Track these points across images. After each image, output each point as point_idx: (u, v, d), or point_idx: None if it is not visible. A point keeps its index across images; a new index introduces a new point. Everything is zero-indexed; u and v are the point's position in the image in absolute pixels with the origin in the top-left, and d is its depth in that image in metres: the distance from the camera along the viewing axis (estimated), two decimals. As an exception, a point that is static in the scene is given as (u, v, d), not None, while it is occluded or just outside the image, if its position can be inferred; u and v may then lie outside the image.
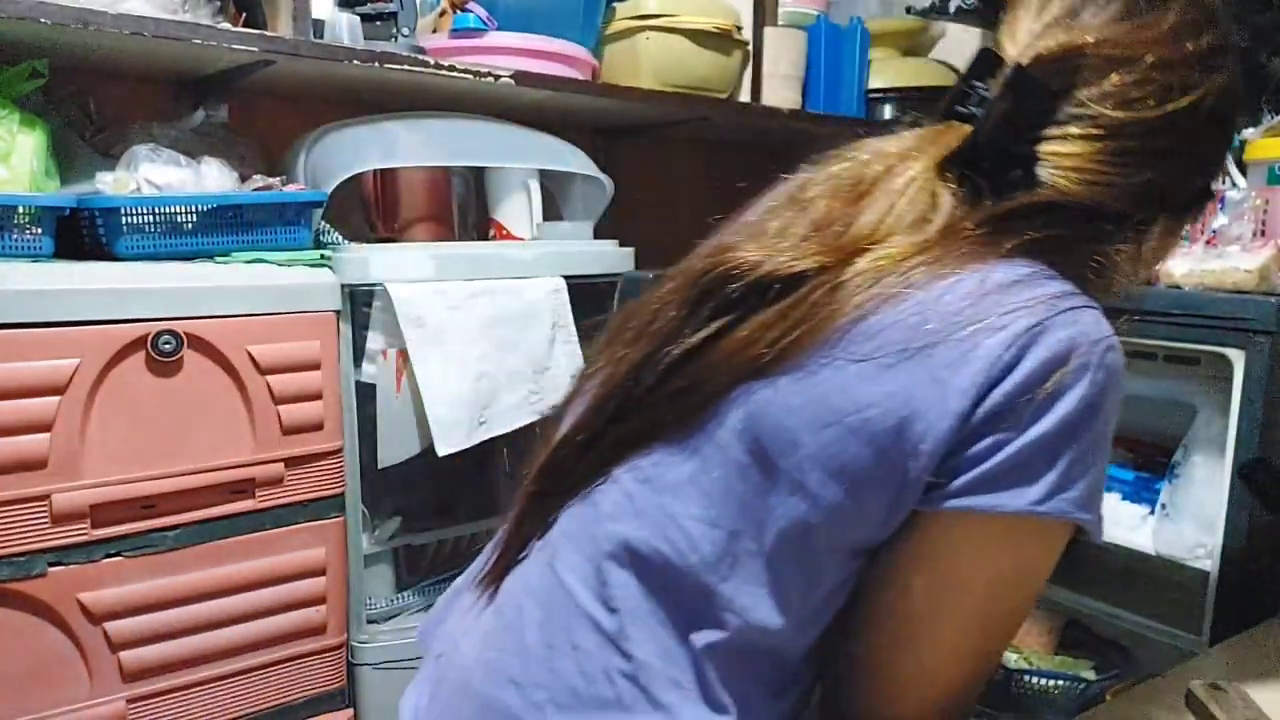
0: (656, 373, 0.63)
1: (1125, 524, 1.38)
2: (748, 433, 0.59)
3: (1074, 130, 0.60)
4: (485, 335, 1.43)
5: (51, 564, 1.08)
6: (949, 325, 0.55)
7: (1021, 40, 0.64)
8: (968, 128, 0.63)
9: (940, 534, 0.57)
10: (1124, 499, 1.44)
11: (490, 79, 1.53)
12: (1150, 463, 1.52)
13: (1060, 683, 1.36)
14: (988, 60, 0.64)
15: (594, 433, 0.66)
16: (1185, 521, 1.25)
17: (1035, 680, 1.37)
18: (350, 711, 1.36)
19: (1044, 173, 0.61)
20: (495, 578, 0.69)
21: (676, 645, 0.60)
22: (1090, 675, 1.38)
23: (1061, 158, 0.60)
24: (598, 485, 0.65)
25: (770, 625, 0.59)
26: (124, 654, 1.14)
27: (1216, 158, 0.68)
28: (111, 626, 1.12)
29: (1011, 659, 1.45)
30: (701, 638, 0.60)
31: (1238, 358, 1.09)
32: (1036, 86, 0.61)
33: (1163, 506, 1.31)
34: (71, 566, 1.10)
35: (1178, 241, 0.73)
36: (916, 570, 0.58)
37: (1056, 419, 0.53)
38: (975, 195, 0.61)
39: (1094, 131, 0.60)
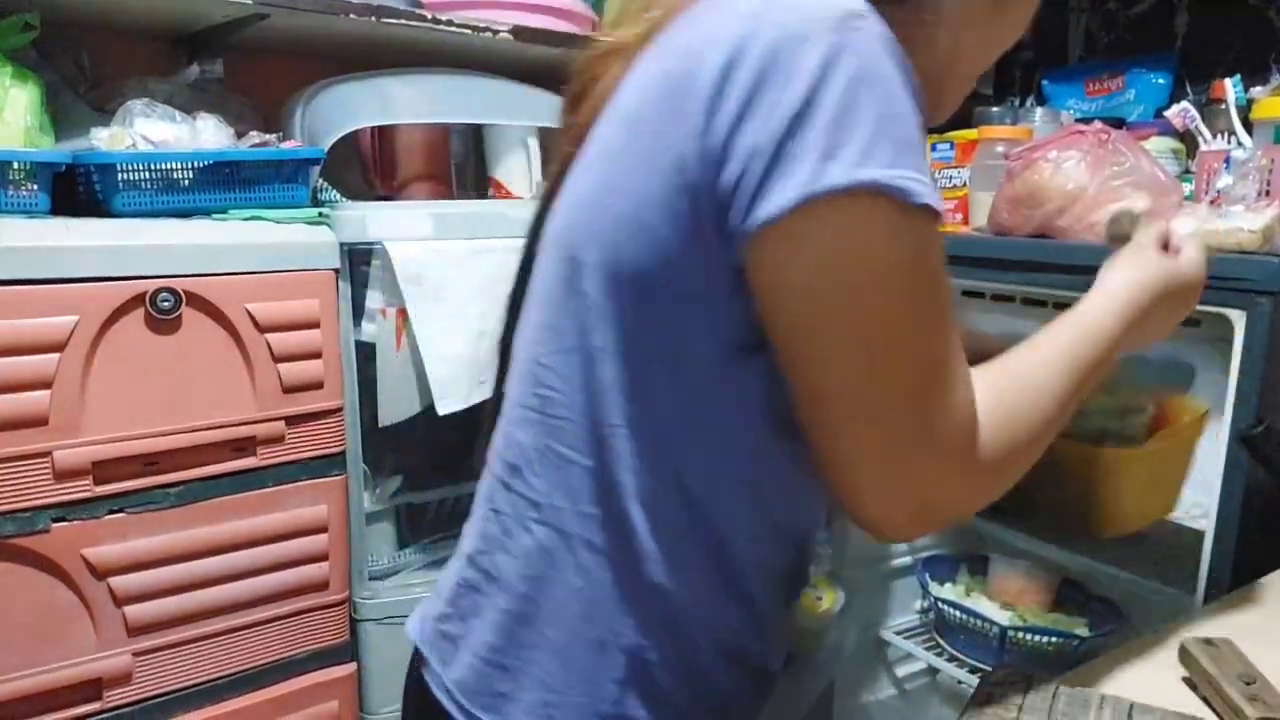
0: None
1: (1122, 484, 1.38)
2: (553, 239, 0.62)
3: None
4: (485, 294, 1.42)
5: (55, 520, 1.09)
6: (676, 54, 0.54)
7: None
8: None
9: (760, 275, 0.51)
10: (1122, 459, 1.44)
11: (489, 34, 1.50)
12: (1149, 423, 1.52)
13: (1055, 639, 1.38)
14: None
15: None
16: (1182, 482, 1.25)
17: (1030, 637, 1.39)
18: (353, 666, 1.38)
19: None
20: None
21: (584, 488, 0.59)
22: (1084, 632, 1.40)
23: None
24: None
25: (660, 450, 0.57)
26: (129, 609, 1.15)
27: None
28: (116, 582, 1.13)
29: (1007, 616, 1.47)
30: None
31: (1238, 318, 1.08)
32: None
33: (1160, 467, 1.31)
34: (75, 523, 1.10)
35: (992, 36, 0.64)
36: (778, 328, 0.53)
37: (797, 98, 0.48)
38: None
39: None
